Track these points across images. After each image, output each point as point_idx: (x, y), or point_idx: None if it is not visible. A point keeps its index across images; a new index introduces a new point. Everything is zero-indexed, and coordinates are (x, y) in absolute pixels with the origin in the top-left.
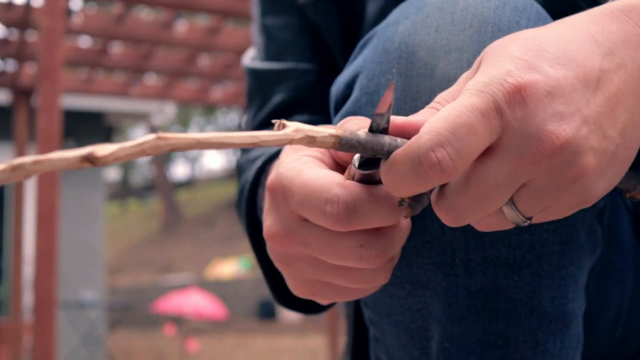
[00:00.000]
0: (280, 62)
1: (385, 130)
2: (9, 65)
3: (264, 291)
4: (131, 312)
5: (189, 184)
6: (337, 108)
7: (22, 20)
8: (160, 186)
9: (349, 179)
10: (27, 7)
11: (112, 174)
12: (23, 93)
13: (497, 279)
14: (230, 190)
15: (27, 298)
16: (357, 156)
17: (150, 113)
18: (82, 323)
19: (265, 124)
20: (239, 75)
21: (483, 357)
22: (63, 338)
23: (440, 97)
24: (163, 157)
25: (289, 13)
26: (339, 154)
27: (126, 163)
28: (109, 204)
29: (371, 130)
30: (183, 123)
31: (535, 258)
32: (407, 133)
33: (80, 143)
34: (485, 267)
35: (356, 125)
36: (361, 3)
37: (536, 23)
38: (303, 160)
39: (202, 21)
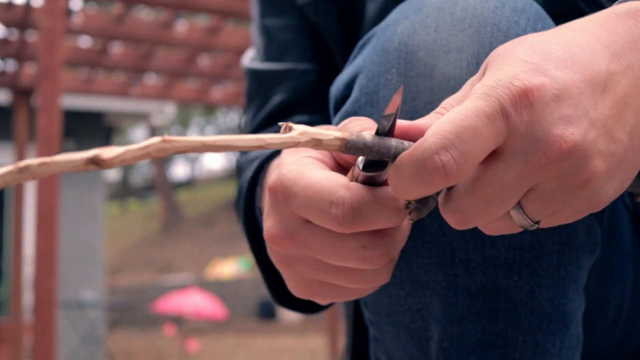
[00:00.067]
0: (279, 63)
1: (390, 133)
2: (9, 65)
3: (264, 291)
4: (131, 312)
5: (189, 184)
6: (337, 108)
7: (22, 20)
8: (160, 186)
9: (352, 181)
10: (27, 7)
11: (112, 174)
12: (23, 93)
13: (496, 279)
14: (230, 191)
15: (27, 298)
16: (361, 158)
17: (150, 113)
18: (82, 323)
19: (265, 125)
20: (239, 75)
21: (483, 357)
22: (63, 338)
23: (446, 102)
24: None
25: (288, 13)
26: (341, 156)
27: None
28: (109, 204)
29: (377, 133)
30: (183, 123)
31: (535, 258)
32: (411, 136)
33: (80, 143)
34: (485, 267)
35: (359, 126)
36: (361, 3)
37: (535, 23)
38: (304, 162)
39: (202, 21)
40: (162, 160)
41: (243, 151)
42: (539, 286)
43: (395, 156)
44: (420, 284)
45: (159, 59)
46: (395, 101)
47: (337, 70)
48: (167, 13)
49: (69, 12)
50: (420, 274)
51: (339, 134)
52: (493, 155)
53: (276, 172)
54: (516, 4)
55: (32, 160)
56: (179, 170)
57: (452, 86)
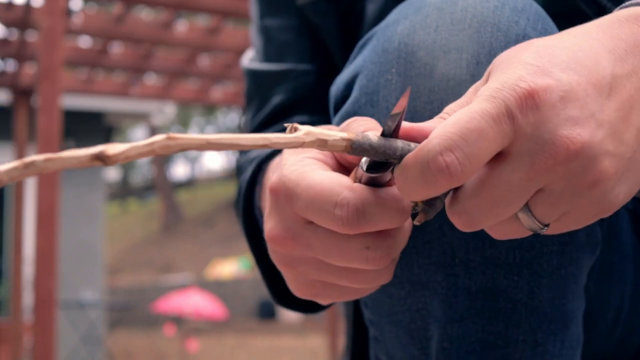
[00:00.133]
0: (279, 63)
1: (395, 134)
2: (9, 65)
3: (264, 291)
4: (131, 312)
5: (189, 184)
6: (337, 108)
7: (22, 20)
8: (160, 186)
9: (355, 182)
10: (27, 7)
11: (112, 174)
12: (23, 93)
13: (496, 279)
14: (230, 191)
15: (27, 298)
16: (364, 159)
17: (150, 113)
18: (82, 323)
19: (265, 125)
20: (239, 75)
21: (483, 357)
22: (63, 338)
23: (449, 107)
24: (163, 157)
25: (287, 14)
26: (344, 156)
27: (126, 163)
28: (109, 204)
29: (383, 134)
30: (183, 123)
31: (535, 258)
32: (413, 138)
33: (80, 143)
34: (485, 267)
35: (362, 127)
36: (360, 4)
37: (535, 23)
38: (306, 163)
39: (202, 21)
40: (162, 160)
41: (243, 151)
42: (539, 286)
43: (401, 157)
44: (421, 284)
45: (159, 59)
46: (402, 102)
47: (337, 71)
48: (167, 13)
49: (69, 12)
50: (420, 274)
51: (344, 135)
52: (499, 157)
53: (277, 172)
54: (516, 4)
55: (38, 156)
56: (179, 170)
57: (452, 86)
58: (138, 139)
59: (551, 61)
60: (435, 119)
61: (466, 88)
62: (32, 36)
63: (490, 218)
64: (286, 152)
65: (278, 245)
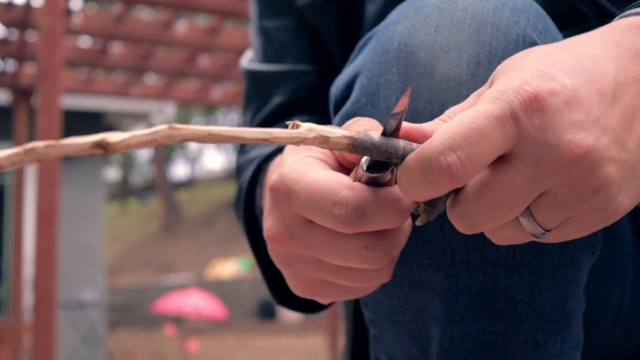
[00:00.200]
0: (278, 64)
1: (396, 134)
2: (9, 65)
3: (264, 291)
4: (131, 312)
5: (189, 184)
6: (337, 108)
7: (22, 20)
8: (160, 186)
9: (355, 181)
10: (27, 7)
11: (112, 174)
12: (23, 93)
13: (497, 279)
14: (230, 191)
15: (27, 298)
16: (365, 158)
17: (150, 113)
18: (82, 323)
19: (264, 126)
20: (239, 76)
21: (483, 357)
22: (63, 338)
23: (450, 110)
24: (163, 156)
25: (287, 15)
26: (344, 156)
27: (126, 163)
28: (109, 204)
29: (384, 133)
30: (183, 123)
31: (535, 258)
32: (413, 138)
33: None
34: (485, 267)
35: (364, 127)
36: (360, 4)
37: (535, 23)
38: (307, 161)
39: (202, 21)
40: (162, 160)
41: (242, 152)
42: (540, 286)
43: (403, 157)
44: (421, 284)
45: (159, 59)
46: (403, 102)
47: (337, 71)
48: (167, 13)
49: (69, 12)
50: (420, 274)
51: (347, 133)
52: (503, 160)
53: (277, 171)
54: (516, 4)
55: (38, 143)
56: (179, 170)
57: (453, 86)
58: None
59: (556, 66)
60: (436, 120)
61: (466, 88)
62: (32, 36)
63: (491, 221)
64: (287, 152)
65: (277, 244)
